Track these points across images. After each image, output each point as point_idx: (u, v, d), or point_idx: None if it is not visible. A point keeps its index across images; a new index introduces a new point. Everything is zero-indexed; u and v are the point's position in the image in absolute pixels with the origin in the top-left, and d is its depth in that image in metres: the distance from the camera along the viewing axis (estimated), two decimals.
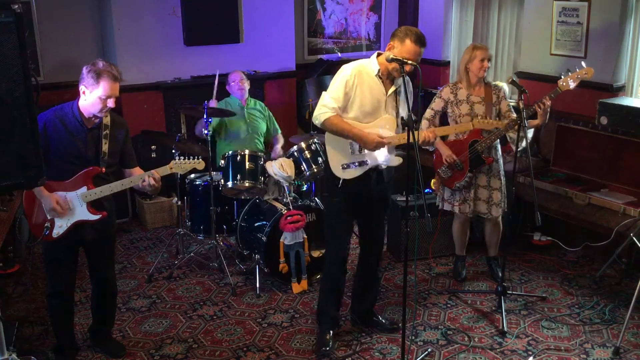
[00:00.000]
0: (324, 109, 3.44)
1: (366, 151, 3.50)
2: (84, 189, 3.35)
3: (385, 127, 3.49)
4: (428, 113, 4.39)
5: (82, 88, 3.27)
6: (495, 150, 4.37)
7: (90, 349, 3.81)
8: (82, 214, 3.37)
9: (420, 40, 3.34)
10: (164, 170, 3.54)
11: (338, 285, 3.83)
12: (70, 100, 3.37)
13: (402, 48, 3.33)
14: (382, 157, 3.55)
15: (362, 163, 3.54)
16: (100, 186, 3.38)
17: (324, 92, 3.51)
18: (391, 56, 3.24)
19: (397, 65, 3.32)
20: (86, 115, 3.32)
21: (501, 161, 4.43)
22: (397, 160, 3.60)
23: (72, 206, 3.34)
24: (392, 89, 3.49)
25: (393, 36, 3.41)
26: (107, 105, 3.27)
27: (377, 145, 3.42)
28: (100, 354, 3.76)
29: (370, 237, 3.85)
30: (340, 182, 3.54)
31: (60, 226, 3.35)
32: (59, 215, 3.31)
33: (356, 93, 3.44)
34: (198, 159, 3.71)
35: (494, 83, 4.36)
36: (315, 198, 4.89)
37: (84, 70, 3.25)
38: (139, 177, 3.46)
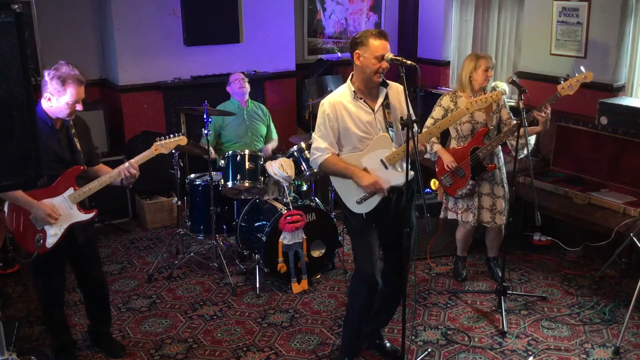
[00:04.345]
0: (316, 152, 3.32)
1: None
2: (70, 191, 3.30)
3: (381, 147, 3.30)
4: (428, 121, 4.36)
5: (46, 95, 3.18)
6: (498, 157, 4.35)
7: (90, 349, 3.81)
8: (75, 216, 3.33)
9: (381, 34, 3.20)
10: (150, 153, 3.51)
11: (368, 307, 3.51)
12: None
13: (372, 52, 3.15)
14: (393, 179, 3.31)
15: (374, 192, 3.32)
16: (82, 186, 3.34)
17: (312, 134, 3.38)
18: (390, 56, 3.17)
19: (373, 68, 3.15)
20: (53, 117, 3.26)
21: (504, 169, 4.40)
22: (404, 177, 3.29)
23: (62, 211, 3.29)
24: (379, 101, 3.30)
25: (354, 46, 3.22)
26: (76, 109, 3.22)
27: (374, 187, 3.23)
28: (100, 354, 3.76)
29: (393, 252, 3.52)
30: (364, 215, 3.34)
31: (55, 234, 3.28)
32: (53, 223, 3.25)
33: (341, 125, 3.28)
34: (179, 135, 3.66)
35: (493, 84, 4.34)
36: (315, 198, 4.89)
37: (46, 75, 3.17)
38: (117, 170, 3.40)
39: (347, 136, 3.31)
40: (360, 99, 3.29)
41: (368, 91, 3.30)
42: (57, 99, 3.18)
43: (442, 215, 4.59)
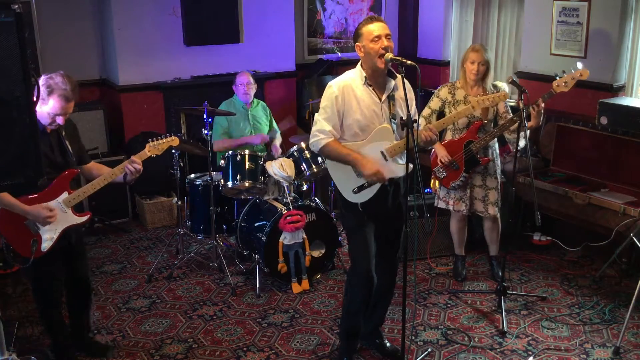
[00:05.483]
0: (319, 135, 3.27)
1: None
2: (64, 195, 3.29)
3: (382, 138, 3.29)
4: (425, 111, 4.42)
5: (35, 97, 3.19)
6: (492, 149, 4.37)
7: None
8: (70, 219, 3.32)
9: (373, 18, 3.24)
10: (143, 155, 3.50)
11: (365, 304, 3.50)
12: None
13: (367, 37, 3.18)
14: (391, 170, 3.31)
15: (372, 182, 3.30)
16: (75, 189, 3.32)
17: (316, 115, 3.33)
18: (390, 56, 3.16)
19: (373, 51, 3.16)
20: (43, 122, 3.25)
21: (498, 161, 4.44)
22: (403, 170, 3.26)
23: (57, 215, 3.27)
24: (385, 94, 3.30)
25: (354, 41, 3.27)
26: (56, 121, 3.21)
27: (375, 177, 3.20)
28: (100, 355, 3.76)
29: (387, 246, 3.52)
30: (359, 205, 3.34)
31: (50, 238, 3.26)
32: (52, 220, 3.22)
33: (347, 109, 3.25)
34: (171, 136, 3.66)
35: (493, 83, 4.36)
36: (315, 198, 4.89)
37: (41, 79, 3.17)
38: (120, 167, 3.40)
39: (350, 121, 3.29)
40: (370, 86, 3.28)
41: (375, 80, 3.29)
42: (40, 105, 3.17)
43: (435, 203, 4.64)
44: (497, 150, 4.45)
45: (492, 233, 4.59)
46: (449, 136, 4.42)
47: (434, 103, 4.39)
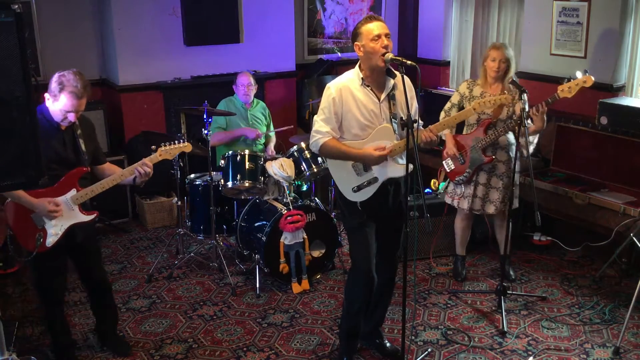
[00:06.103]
0: (317, 135, 3.30)
1: (373, 168, 3.33)
2: (72, 192, 3.30)
3: (383, 138, 3.29)
4: (447, 105, 4.49)
5: (47, 95, 3.21)
6: (504, 152, 4.33)
7: (90, 349, 3.81)
8: (75, 216, 3.33)
9: (372, 17, 3.23)
10: (154, 158, 3.51)
11: (365, 304, 3.51)
12: None
13: (367, 36, 3.16)
14: (391, 170, 3.33)
15: (372, 181, 3.33)
16: (84, 187, 3.33)
17: (315, 117, 3.35)
18: (391, 56, 3.16)
19: (374, 50, 3.16)
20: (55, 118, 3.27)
21: (513, 165, 4.37)
22: (403, 169, 3.24)
23: (63, 211, 3.28)
24: (384, 94, 3.29)
25: (353, 40, 3.27)
26: (67, 118, 3.22)
27: (380, 158, 3.23)
28: (100, 354, 3.76)
29: (388, 246, 3.51)
30: (359, 204, 3.35)
31: (55, 234, 3.28)
32: (57, 215, 3.25)
33: (345, 110, 3.26)
34: (184, 142, 3.66)
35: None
36: (315, 198, 4.89)
37: (53, 77, 3.19)
38: (130, 169, 3.41)
39: (349, 122, 3.30)
40: (368, 86, 3.28)
41: (375, 80, 3.29)
42: (52, 102, 3.21)
43: (444, 198, 4.70)
44: (513, 154, 4.41)
45: (499, 229, 4.58)
46: (465, 130, 4.46)
47: (454, 97, 4.47)
